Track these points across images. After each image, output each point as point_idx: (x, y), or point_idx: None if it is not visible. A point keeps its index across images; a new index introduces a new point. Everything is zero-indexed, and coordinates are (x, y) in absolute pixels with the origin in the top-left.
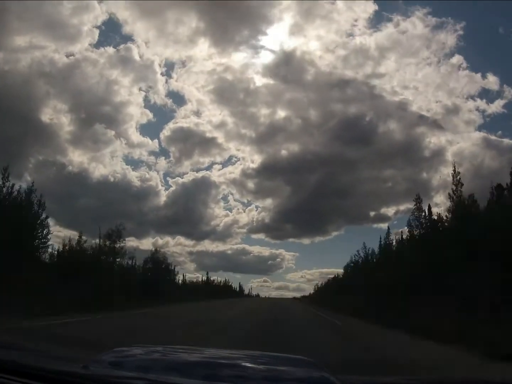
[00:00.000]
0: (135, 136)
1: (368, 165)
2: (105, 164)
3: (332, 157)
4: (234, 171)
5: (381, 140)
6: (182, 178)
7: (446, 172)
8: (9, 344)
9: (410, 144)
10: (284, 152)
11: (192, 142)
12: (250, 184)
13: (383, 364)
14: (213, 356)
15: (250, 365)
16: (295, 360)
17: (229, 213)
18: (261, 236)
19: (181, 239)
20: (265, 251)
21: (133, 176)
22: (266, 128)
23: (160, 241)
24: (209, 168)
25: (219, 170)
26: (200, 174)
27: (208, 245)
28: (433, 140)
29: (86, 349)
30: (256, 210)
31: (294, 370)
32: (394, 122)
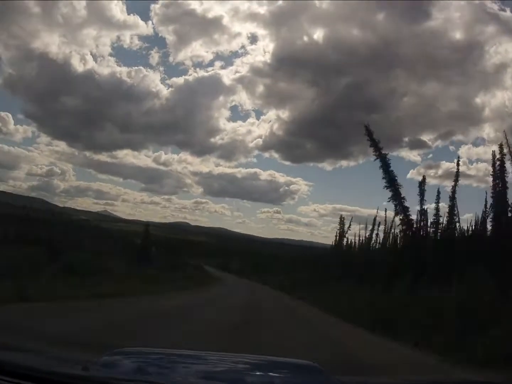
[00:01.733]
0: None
1: (411, 72)
2: (91, 52)
3: (370, 51)
4: (242, 68)
5: (432, 34)
6: (185, 76)
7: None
8: (8, 344)
9: (469, 49)
10: (306, 40)
11: (192, 24)
12: (263, 86)
13: None
14: (214, 359)
15: (250, 368)
16: (296, 363)
17: (241, 123)
18: (274, 154)
19: (185, 155)
20: (280, 178)
21: (124, 73)
22: (286, 2)
23: (163, 157)
24: (211, 64)
25: (224, 67)
26: (203, 74)
27: (215, 165)
28: (501, 49)
29: (86, 350)
30: (269, 122)
31: (296, 373)
32: (455, 12)
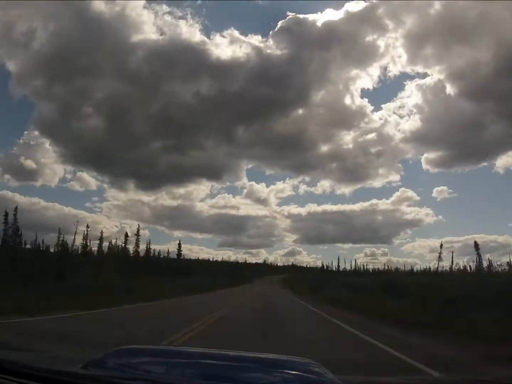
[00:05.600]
0: None
1: None
2: None
3: None
4: None
5: None
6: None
7: None
8: (8, 344)
9: None
10: None
11: None
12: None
13: None
14: (214, 357)
15: (251, 367)
16: (297, 361)
17: (387, 102)
18: (430, 154)
19: (281, 183)
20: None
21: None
22: None
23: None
24: None
25: None
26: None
27: (328, 193)
28: None
29: (85, 349)
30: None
31: (296, 371)
32: None
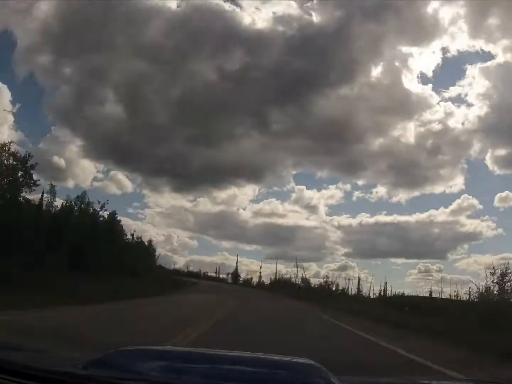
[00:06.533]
0: None
1: None
2: None
3: None
4: None
5: None
6: None
7: None
8: (8, 344)
9: None
10: None
11: None
12: None
13: None
14: (214, 357)
15: (250, 367)
16: (296, 362)
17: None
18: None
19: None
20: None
21: None
22: None
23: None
24: None
25: None
26: None
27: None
28: None
29: (86, 349)
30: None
31: (295, 372)
32: None
